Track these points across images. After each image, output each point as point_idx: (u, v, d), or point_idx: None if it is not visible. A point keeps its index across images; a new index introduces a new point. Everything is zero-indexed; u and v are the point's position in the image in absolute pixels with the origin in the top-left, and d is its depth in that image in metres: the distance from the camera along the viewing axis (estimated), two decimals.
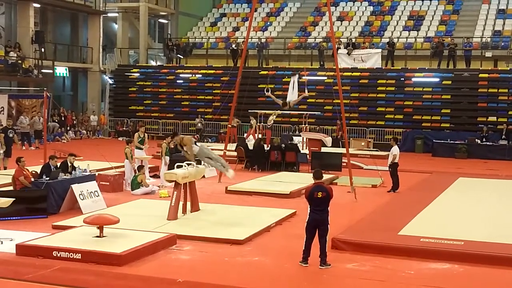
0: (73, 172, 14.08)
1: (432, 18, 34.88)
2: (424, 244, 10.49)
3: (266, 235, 11.66)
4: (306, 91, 19.23)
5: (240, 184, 17.03)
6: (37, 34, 30.85)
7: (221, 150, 19.68)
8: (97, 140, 31.81)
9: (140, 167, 16.40)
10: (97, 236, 10.30)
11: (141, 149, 17.66)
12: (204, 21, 39.53)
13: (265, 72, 31.57)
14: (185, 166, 12.93)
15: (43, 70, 30.88)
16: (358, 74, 30.76)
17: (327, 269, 9.45)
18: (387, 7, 36.84)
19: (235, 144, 22.23)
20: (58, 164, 14.28)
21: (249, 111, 25.94)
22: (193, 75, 33.65)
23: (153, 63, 37.79)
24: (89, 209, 12.94)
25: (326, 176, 15.71)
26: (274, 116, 25.31)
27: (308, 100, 29.01)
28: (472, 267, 9.70)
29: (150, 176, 17.98)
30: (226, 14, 39.69)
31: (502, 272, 9.52)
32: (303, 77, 21.16)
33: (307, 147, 23.10)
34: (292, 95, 18.70)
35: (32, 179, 13.46)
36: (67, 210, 13.16)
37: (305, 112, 26.55)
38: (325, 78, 28.88)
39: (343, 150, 19.52)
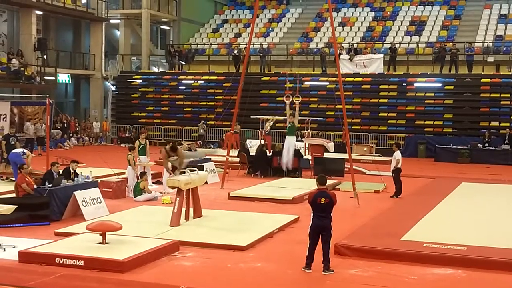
0: (75, 178, 14.08)
1: (434, 23, 34.91)
2: (427, 249, 10.47)
3: (269, 241, 11.65)
4: (294, 97, 19.39)
5: (242, 190, 17.04)
6: (39, 41, 30.91)
7: (223, 156, 19.71)
8: (99, 146, 31.84)
9: (143, 174, 16.40)
10: (100, 243, 10.30)
11: (144, 155, 17.69)
12: (206, 28, 39.61)
13: (267, 78, 31.68)
14: (187, 172, 12.95)
15: (45, 77, 30.92)
16: (360, 79, 30.76)
17: (330, 275, 9.43)
18: (388, 13, 36.91)
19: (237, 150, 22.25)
20: (61, 171, 14.29)
21: (251, 117, 25.95)
22: (195, 81, 33.69)
23: (155, 69, 37.84)
24: (91, 216, 12.93)
25: (329, 182, 15.69)
26: (271, 123, 25.31)
27: (310, 106, 29.08)
28: (475, 272, 9.67)
29: (153, 183, 17.98)
30: (228, 20, 39.76)
31: (506, 277, 9.49)
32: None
33: (310, 153, 23.08)
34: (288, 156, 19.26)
35: (35, 186, 13.47)
36: (70, 217, 13.15)
37: (307, 118, 26.53)
38: (327, 83, 28.87)
39: (345, 156, 19.50)
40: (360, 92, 30.33)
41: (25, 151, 17.66)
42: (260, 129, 25.56)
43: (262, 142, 23.98)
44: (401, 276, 9.51)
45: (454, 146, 26.70)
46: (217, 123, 27.67)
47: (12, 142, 20.00)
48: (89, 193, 13.63)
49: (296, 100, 21.67)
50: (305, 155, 22.67)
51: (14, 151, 17.60)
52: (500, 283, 9.33)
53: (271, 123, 25.25)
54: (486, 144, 26.50)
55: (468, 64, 29.66)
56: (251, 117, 25.98)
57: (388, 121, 29.53)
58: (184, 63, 35.12)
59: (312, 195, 9.71)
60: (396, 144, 17.36)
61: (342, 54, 30.67)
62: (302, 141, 24.89)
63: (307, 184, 17.29)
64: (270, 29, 37.53)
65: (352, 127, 26.67)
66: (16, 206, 11.83)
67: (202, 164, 18.44)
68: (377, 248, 10.60)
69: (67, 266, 9.44)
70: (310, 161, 21.14)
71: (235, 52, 32.62)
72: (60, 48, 34.77)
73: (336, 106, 22.70)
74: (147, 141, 18.34)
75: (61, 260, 9.53)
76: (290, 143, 20.07)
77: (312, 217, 9.60)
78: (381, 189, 17.87)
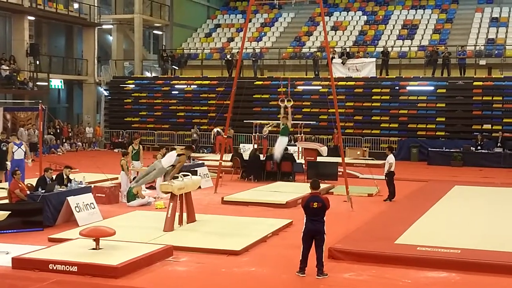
0: (68, 184, 14.04)
1: (426, 27, 35.06)
2: (421, 252, 10.48)
3: (262, 245, 11.64)
4: (286, 101, 19.32)
5: (236, 194, 17.03)
6: (32, 46, 30.85)
7: (217, 160, 19.69)
8: (92, 152, 31.76)
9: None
10: (93, 249, 10.26)
11: (138, 160, 17.66)
12: (199, 32, 39.65)
13: (260, 82, 31.72)
14: (180, 177, 12.93)
15: (38, 83, 30.86)
16: (352, 83, 30.82)
17: (324, 279, 9.43)
18: (381, 17, 37.05)
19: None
20: (54, 177, 14.25)
21: (244, 121, 25.96)
22: (188, 86, 33.69)
23: (148, 74, 37.82)
24: (85, 221, 12.89)
25: (322, 186, 15.71)
26: (270, 127, 25.29)
27: (303, 110, 29.15)
28: (469, 275, 9.69)
29: (146, 188, 17.93)
30: (221, 25, 39.81)
31: (499, 280, 9.51)
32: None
33: (303, 157, 23.10)
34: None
35: (28, 192, 13.42)
36: (63, 223, 13.11)
37: (300, 122, 26.56)
38: (320, 87, 28.93)
39: (338, 159, 19.53)
40: (352, 96, 30.38)
41: (19, 143, 17.65)
42: (254, 133, 25.59)
43: (256, 146, 23.99)
44: (395, 279, 9.52)
45: (446, 149, 26.77)
46: (210, 128, 27.67)
47: (4, 148, 19.87)
48: (82, 198, 13.58)
49: (288, 104, 21.62)
50: (298, 159, 22.70)
51: (16, 156, 17.47)
52: (494, 286, 9.35)
53: (270, 127, 25.25)
54: (479, 147, 26.58)
55: (460, 68, 29.79)
56: (244, 121, 26.00)
57: (381, 125, 29.60)
58: (177, 68, 35.15)
59: (305, 199, 9.73)
60: (389, 148, 17.39)
61: (334, 58, 30.71)
62: (295, 145, 24.91)
63: (300, 188, 17.29)
64: (263, 33, 37.59)
65: (345, 131, 26.68)
66: (9, 212, 11.79)
67: (196, 168, 18.43)
68: (371, 252, 10.61)
69: (60, 272, 9.40)
70: (304, 165, 21.15)
71: (228, 56, 32.65)
72: (52, 54, 34.69)
73: (329, 110, 22.78)
74: (141, 146, 18.33)
75: (55, 266, 9.48)
76: (282, 141, 19.72)
77: (305, 221, 9.61)
78: (374, 192, 17.89)
